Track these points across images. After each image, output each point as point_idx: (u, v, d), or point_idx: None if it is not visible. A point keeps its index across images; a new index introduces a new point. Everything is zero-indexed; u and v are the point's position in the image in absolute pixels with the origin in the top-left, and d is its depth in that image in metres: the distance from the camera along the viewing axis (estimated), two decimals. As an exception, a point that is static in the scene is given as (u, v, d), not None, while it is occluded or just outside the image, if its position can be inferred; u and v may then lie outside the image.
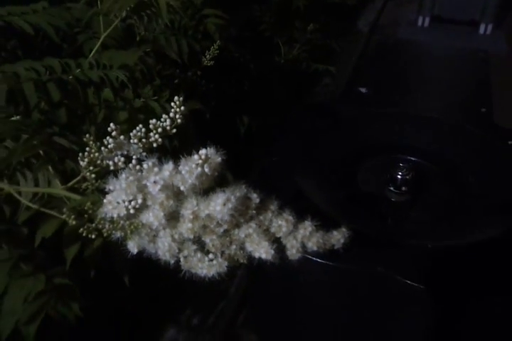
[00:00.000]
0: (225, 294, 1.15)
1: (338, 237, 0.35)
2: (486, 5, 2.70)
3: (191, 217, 0.31)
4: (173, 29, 0.84)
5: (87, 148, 0.32)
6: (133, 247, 0.34)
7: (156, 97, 0.75)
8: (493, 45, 2.48)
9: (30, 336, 0.51)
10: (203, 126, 0.96)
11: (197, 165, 0.30)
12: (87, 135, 0.31)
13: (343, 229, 0.36)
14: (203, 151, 0.30)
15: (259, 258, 0.33)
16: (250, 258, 0.34)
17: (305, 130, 0.87)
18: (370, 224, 0.67)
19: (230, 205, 0.30)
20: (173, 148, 0.85)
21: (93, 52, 0.57)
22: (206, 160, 0.30)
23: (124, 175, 0.30)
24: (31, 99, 0.43)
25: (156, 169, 0.31)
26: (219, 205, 0.30)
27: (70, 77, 0.46)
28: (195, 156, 0.30)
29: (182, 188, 0.30)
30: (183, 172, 0.30)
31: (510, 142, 0.79)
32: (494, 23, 2.70)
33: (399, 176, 0.67)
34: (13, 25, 0.68)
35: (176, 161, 0.90)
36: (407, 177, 0.67)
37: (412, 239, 0.62)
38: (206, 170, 0.30)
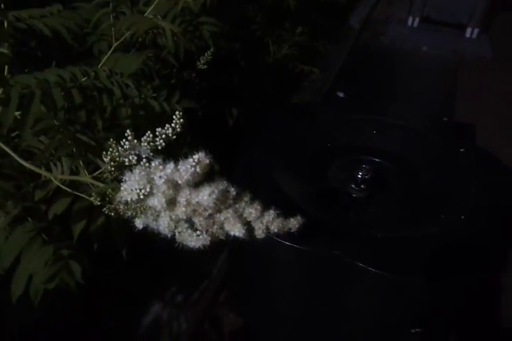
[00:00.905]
0: (208, 275, 1.26)
1: (294, 223, 0.47)
2: (473, 9, 2.80)
3: (185, 203, 0.42)
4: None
5: (110, 149, 0.43)
6: (139, 224, 0.45)
7: (155, 95, 0.85)
8: (478, 49, 2.59)
9: (36, 297, 0.61)
10: (195, 121, 1.07)
11: (191, 166, 0.41)
12: (111, 139, 0.42)
13: (298, 218, 0.48)
14: (196, 156, 0.42)
15: (238, 241, 0.44)
16: (227, 235, 0.45)
17: (284, 129, 0.99)
18: (332, 215, 0.79)
19: (213, 196, 0.42)
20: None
21: (104, 60, 0.68)
22: (198, 162, 0.42)
23: (137, 170, 0.42)
24: (58, 101, 0.54)
25: (161, 167, 0.42)
26: (206, 195, 0.42)
27: (88, 83, 0.57)
28: (190, 159, 0.42)
29: (179, 182, 0.42)
30: (180, 170, 0.41)
31: (461, 150, 0.91)
32: (481, 27, 2.81)
33: (359, 176, 0.79)
34: (34, 28, 0.77)
35: (170, 153, 1.01)
36: (366, 176, 0.79)
37: (365, 229, 0.75)
38: (198, 170, 0.41)
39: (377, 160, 0.94)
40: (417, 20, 3.02)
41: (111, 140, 0.42)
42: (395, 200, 0.84)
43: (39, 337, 1.04)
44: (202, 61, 0.88)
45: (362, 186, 0.80)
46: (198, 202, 0.42)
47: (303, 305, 0.84)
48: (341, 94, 1.08)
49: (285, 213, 0.74)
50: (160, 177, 0.41)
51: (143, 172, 0.42)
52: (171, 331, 1.19)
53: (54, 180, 0.45)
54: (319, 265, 0.74)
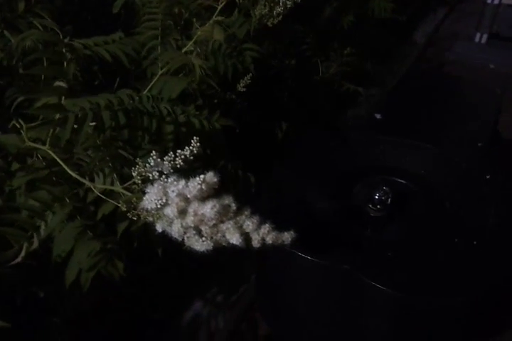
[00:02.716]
0: (247, 279, 1.34)
1: (287, 237, 0.54)
2: (547, 26, 2.69)
3: (193, 213, 0.51)
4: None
5: (137, 166, 0.53)
6: (159, 227, 0.55)
7: (197, 113, 0.95)
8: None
9: (85, 284, 0.73)
10: (237, 137, 1.16)
11: (198, 183, 0.50)
12: (140, 162, 0.52)
13: (291, 232, 0.55)
14: (201, 176, 0.51)
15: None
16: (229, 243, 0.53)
17: (317, 147, 1.05)
18: (349, 231, 0.85)
19: (215, 209, 0.50)
20: (207, 155, 1.06)
21: (152, 83, 0.79)
22: (203, 181, 0.50)
23: (156, 185, 0.51)
24: (107, 122, 0.65)
25: (175, 183, 0.51)
26: (209, 208, 0.50)
27: (132, 107, 0.68)
28: (197, 178, 0.50)
29: (189, 196, 0.51)
30: (189, 186, 0.50)
31: (488, 176, 0.92)
32: (554, 45, 2.69)
33: (376, 196, 0.84)
34: (97, 54, 0.90)
35: (210, 165, 1.12)
36: (383, 197, 0.84)
37: (377, 247, 0.79)
38: (203, 187, 0.50)
39: (402, 181, 0.97)
40: (485, 36, 2.94)
41: (138, 159, 0.52)
42: (411, 222, 0.87)
43: (91, 323, 1.16)
44: (242, 84, 0.97)
45: (378, 206, 0.85)
46: (203, 214, 0.51)
47: (320, 316, 0.89)
48: (378, 116, 1.13)
49: (304, 225, 0.82)
50: (173, 191, 0.50)
51: (160, 187, 0.51)
52: (208, 329, 1.27)
53: (93, 189, 0.56)
54: (331, 278, 0.80)
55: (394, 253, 0.78)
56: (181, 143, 0.95)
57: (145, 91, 0.79)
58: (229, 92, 1.03)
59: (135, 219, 0.51)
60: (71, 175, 0.56)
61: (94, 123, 0.66)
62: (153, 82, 0.81)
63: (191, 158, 0.56)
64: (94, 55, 0.90)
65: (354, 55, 1.55)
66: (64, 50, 0.70)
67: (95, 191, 0.55)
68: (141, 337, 1.21)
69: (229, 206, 0.52)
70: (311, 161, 1.01)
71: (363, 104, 1.90)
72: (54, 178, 0.67)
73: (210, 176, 0.53)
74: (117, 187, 0.56)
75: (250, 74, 0.97)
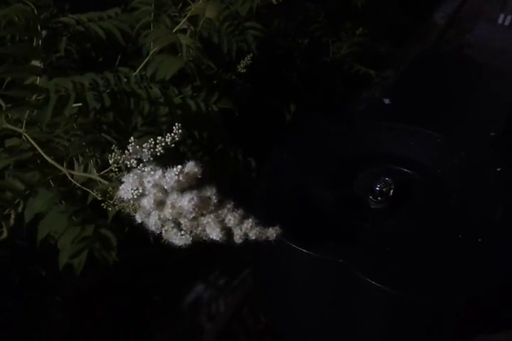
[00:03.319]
0: (250, 265, 1.32)
1: (271, 232, 0.51)
2: None
3: (170, 205, 0.48)
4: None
5: (113, 153, 0.50)
6: (138, 218, 0.52)
7: (194, 94, 0.91)
8: None
9: (78, 267, 0.71)
10: (241, 120, 1.12)
11: (175, 174, 0.47)
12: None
13: (276, 228, 0.51)
14: (179, 166, 0.47)
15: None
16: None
17: (319, 133, 1.01)
18: (347, 223, 0.81)
19: (192, 202, 0.47)
20: (203, 139, 1.02)
21: (143, 63, 0.75)
22: (181, 172, 0.47)
23: (131, 174, 0.48)
24: (91, 104, 0.62)
25: (151, 173, 0.48)
26: (186, 201, 0.47)
27: (119, 88, 0.64)
28: (175, 168, 0.47)
29: (166, 187, 0.47)
30: (166, 177, 0.47)
31: (498, 169, 0.87)
32: None
33: (377, 188, 0.80)
34: (90, 30, 0.86)
35: (208, 149, 1.08)
36: (384, 189, 0.79)
37: (375, 241, 0.76)
38: (181, 178, 0.47)
39: (407, 171, 0.93)
40: (509, 18, 2.80)
41: (113, 145, 0.48)
42: (413, 215, 0.83)
43: (92, 303, 1.16)
44: (242, 65, 0.92)
45: (379, 198, 0.81)
46: (180, 206, 0.47)
47: (313, 309, 0.87)
48: (387, 101, 1.07)
49: (300, 215, 0.78)
50: (149, 181, 0.47)
51: (135, 176, 0.47)
52: (209, 311, 1.27)
53: (68, 175, 0.53)
54: (324, 271, 0.77)
55: (392, 248, 0.74)
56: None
57: (136, 72, 0.75)
58: (229, 73, 0.98)
59: (110, 209, 0.48)
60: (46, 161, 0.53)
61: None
62: (145, 61, 0.77)
63: (173, 145, 0.52)
64: (88, 32, 0.86)
65: (367, 36, 1.48)
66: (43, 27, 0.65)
67: (70, 178, 0.52)
68: (141, 318, 1.21)
69: (209, 198, 0.49)
70: (312, 147, 0.97)
71: (376, 87, 1.83)
72: (38, 161, 0.64)
73: (191, 166, 0.50)
74: (94, 175, 0.53)
75: (251, 54, 0.92)
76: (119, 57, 0.97)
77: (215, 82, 0.99)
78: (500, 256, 0.71)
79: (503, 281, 0.69)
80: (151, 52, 0.76)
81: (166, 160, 0.62)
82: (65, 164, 0.55)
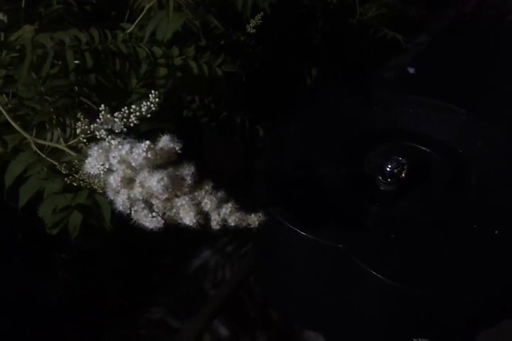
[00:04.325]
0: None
1: (254, 219, 0.45)
2: None
3: (139, 184, 0.43)
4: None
5: (79, 122, 0.44)
6: (109, 195, 0.47)
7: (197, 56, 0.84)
8: None
9: (73, 232, 0.67)
10: (256, 85, 1.04)
11: (143, 151, 0.41)
12: (79, 114, 0.43)
13: (259, 214, 0.46)
14: (147, 142, 0.41)
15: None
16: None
17: (332, 103, 0.92)
18: (352, 206, 0.75)
19: (162, 183, 0.41)
20: (209, 103, 0.96)
21: (138, 19, 0.68)
22: (150, 148, 0.41)
23: (97, 148, 0.42)
24: (70, 63, 0.55)
25: (119, 147, 0.42)
26: (155, 182, 0.41)
27: (103, 47, 0.57)
28: (143, 144, 0.41)
29: (133, 164, 0.42)
30: (134, 153, 0.41)
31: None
32: None
33: (388, 168, 0.72)
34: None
35: (214, 115, 1.01)
36: (395, 170, 0.72)
37: (380, 226, 0.70)
38: (150, 155, 0.41)
39: (426, 150, 0.85)
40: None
41: (79, 114, 0.43)
42: (426, 199, 0.76)
43: (98, 262, 1.16)
44: (251, 24, 0.84)
45: (389, 179, 0.74)
46: (149, 187, 0.42)
47: (311, 294, 0.82)
48: (412, 70, 0.97)
49: (303, 193, 0.72)
50: (114, 157, 0.42)
51: (100, 150, 0.42)
52: (215, 278, 1.25)
53: (31, 143, 0.48)
54: (322, 256, 0.71)
55: (398, 235, 0.68)
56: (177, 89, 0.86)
57: (130, 29, 0.68)
58: (238, 33, 0.90)
59: (74, 185, 0.43)
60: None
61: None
62: (139, 17, 0.69)
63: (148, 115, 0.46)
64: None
65: (399, -4, 1.35)
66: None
67: (33, 146, 0.47)
68: (147, 281, 1.21)
69: (184, 179, 0.43)
70: (322, 118, 0.89)
71: (406, 54, 1.70)
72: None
73: (166, 140, 0.44)
74: (60, 145, 0.47)
75: (262, 12, 0.83)
76: (128, 12, 0.90)
77: (222, 42, 0.90)
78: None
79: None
80: (147, 6, 0.68)
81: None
82: (34, 132, 0.50)
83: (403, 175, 0.74)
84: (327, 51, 1.34)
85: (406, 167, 0.74)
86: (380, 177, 0.74)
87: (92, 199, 0.67)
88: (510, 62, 1.16)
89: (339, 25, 1.39)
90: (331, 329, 0.83)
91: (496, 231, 0.67)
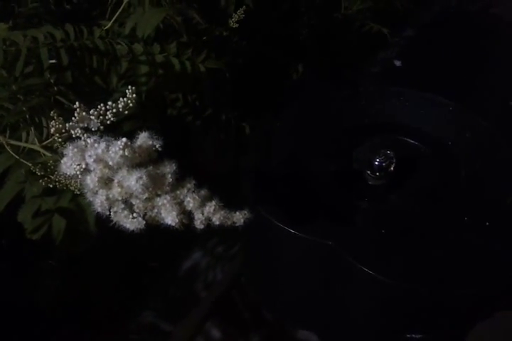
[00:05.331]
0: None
1: (239, 217, 0.44)
2: None
3: (117, 184, 0.41)
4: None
5: (53, 120, 0.42)
6: (89, 196, 0.45)
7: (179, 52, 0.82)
8: None
9: (57, 236, 0.65)
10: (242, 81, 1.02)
11: (119, 149, 0.39)
12: (52, 112, 0.41)
13: (244, 211, 0.44)
14: (123, 139, 0.39)
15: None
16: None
17: (319, 98, 0.91)
18: (340, 201, 0.74)
19: (141, 182, 0.39)
20: (191, 103, 0.94)
21: (116, 15, 0.66)
22: (126, 146, 0.39)
23: (71, 147, 0.41)
24: (45, 61, 0.53)
25: (95, 145, 0.40)
26: (133, 181, 0.39)
27: (79, 44, 0.55)
28: (119, 142, 0.39)
29: (110, 163, 0.40)
30: (110, 151, 0.39)
31: (516, 141, 0.78)
32: None
33: (376, 162, 0.71)
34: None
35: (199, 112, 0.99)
36: (384, 164, 0.71)
37: (370, 222, 0.68)
38: (127, 153, 0.39)
39: (415, 143, 0.84)
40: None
41: (52, 112, 0.41)
42: (416, 193, 0.75)
43: (86, 268, 1.13)
44: (234, 19, 0.82)
45: (378, 174, 0.72)
46: (128, 186, 0.40)
47: (301, 291, 0.81)
48: (398, 63, 0.96)
49: (290, 190, 0.71)
50: (90, 156, 0.40)
51: (76, 149, 0.40)
52: (206, 279, 1.24)
53: (4, 144, 0.46)
54: (312, 253, 0.70)
55: (389, 230, 0.67)
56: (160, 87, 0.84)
57: (108, 25, 0.66)
58: (220, 28, 0.88)
59: (50, 186, 0.41)
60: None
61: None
62: (118, 12, 0.67)
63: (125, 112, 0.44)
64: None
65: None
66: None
67: (6, 147, 0.45)
68: (137, 285, 1.19)
69: (164, 177, 0.42)
70: (309, 113, 0.88)
71: (393, 47, 1.69)
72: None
73: (144, 138, 0.42)
74: (34, 145, 0.45)
75: (244, 6, 0.81)
76: (109, 10, 0.87)
77: (204, 38, 0.89)
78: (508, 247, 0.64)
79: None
80: (124, 2, 0.66)
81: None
82: (8, 132, 0.48)
83: (392, 168, 0.73)
84: (313, 46, 1.33)
85: (394, 160, 0.73)
86: (369, 172, 0.73)
87: (75, 202, 0.66)
88: (495, 54, 1.15)
89: (324, 20, 1.37)
90: (324, 328, 0.81)
91: (487, 223, 0.66)
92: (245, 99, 1.10)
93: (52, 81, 0.55)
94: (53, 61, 0.58)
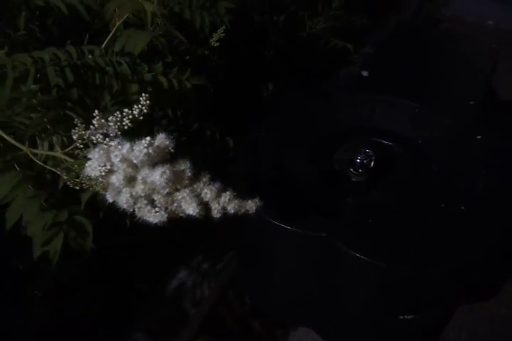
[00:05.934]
0: (233, 247, 1.31)
1: (251, 205, 0.49)
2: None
3: (141, 181, 0.45)
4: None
5: (76, 128, 0.47)
6: (109, 197, 0.49)
7: (166, 71, 0.87)
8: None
9: (53, 256, 0.68)
10: (219, 98, 1.08)
11: (144, 147, 0.44)
12: (76, 119, 0.45)
13: (256, 200, 0.49)
14: (147, 138, 0.44)
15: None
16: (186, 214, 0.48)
17: (297, 108, 0.98)
18: (328, 197, 0.79)
19: (165, 176, 0.44)
20: (178, 118, 0.99)
21: (108, 38, 0.71)
22: (150, 144, 0.44)
23: (97, 149, 0.45)
24: (52, 80, 0.58)
25: (119, 147, 0.45)
26: (157, 175, 0.44)
27: (82, 62, 0.60)
28: (143, 141, 0.44)
29: (135, 161, 0.44)
30: (135, 150, 0.44)
31: (478, 137, 0.86)
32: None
33: (358, 160, 0.78)
34: (51, 5, 0.81)
35: (184, 128, 1.03)
36: (365, 161, 0.78)
37: (357, 214, 0.74)
38: (150, 151, 0.44)
39: (388, 143, 0.91)
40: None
41: (76, 120, 0.45)
42: (395, 187, 0.82)
43: (73, 294, 1.13)
44: (214, 38, 0.89)
45: (360, 170, 0.79)
46: (152, 181, 0.45)
47: (298, 285, 0.85)
48: (365, 73, 1.05)
49: (281, 191, 0.76)
50: (116, 156, 0.44)
51: (102, 151, 0.44)
52: (193, 297, 1.25)
53: (30, 154, 0.49)
54: (308, 246, 0.75)
55: (375, 220, 0.73)
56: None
57: (101, 46, 0.71)
58: (202, 48, 0.94)
59: (77, 188, 0.45)
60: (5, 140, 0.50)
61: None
62: (110, 34, 0.72)
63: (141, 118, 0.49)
64: (49, 6, 0.81)
65: (343, 9, 1.45)
66: None
67: (32, 157, 0.49)
68: (125, 306, 1.19)
69: (183, 172, 0.46)
70: (291, 122, 0.95)
71: (355, 62, 1.80)
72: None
73: (162, 138, 0.47)
74: (57, 153, 0.49)
75: (224, 26, 0.88)
76: (87, 36, 0.92)
77: (187, 57, 0.95)
78: (484, 224, 0.71)
79: (487, 252, 0.68)
80: (116, 25, 0.71)
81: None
82: (27, 143, 0.52)
83: (372, 165, 0.80)
84: (280, 65, 1.41)
85: (374, 158, 0.79)
86: (352, 169, 0.80)
87: (72, 220, 0.68)
88: (447, 61, 1.26)
89: (290, 39, 1.47)
90: (321, 321, 0.86)
91: (462, 207, 0.73)
92: (226, 114, 1.16)
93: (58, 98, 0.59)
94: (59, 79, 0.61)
